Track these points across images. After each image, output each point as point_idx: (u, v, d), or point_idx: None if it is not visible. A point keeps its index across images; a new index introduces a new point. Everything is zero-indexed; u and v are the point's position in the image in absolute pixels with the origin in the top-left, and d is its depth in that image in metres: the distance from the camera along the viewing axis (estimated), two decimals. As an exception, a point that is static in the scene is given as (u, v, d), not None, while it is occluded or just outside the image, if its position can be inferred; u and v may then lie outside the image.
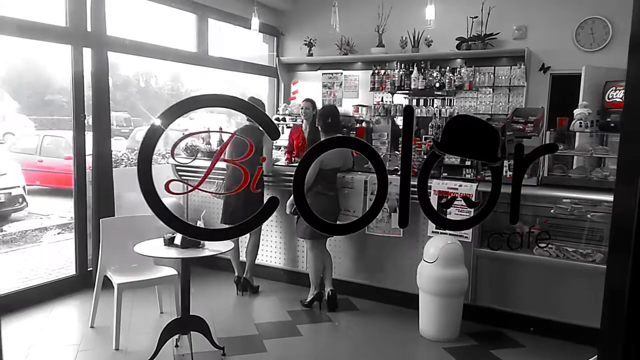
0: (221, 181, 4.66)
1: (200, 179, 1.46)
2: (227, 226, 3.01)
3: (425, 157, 4.30)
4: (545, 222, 4.02)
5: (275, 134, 1.23)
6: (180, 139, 4.98)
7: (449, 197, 3.98)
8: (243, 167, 1.32)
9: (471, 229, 4.03)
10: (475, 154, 1.42)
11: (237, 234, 1.20)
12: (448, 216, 3.72)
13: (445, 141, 1.23)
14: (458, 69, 6.15)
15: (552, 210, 3.95)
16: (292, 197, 4.29)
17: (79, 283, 4.70)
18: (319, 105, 5.63)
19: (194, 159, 5.13)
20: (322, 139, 4.43)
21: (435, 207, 3.53)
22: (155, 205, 1.11)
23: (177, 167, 5.12)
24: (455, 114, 6.09)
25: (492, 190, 1.27)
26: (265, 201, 4.50)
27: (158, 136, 1.11)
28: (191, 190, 1.35)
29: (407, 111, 1.19)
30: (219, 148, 5.25)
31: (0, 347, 0.95)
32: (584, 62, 5.47)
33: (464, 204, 1.41)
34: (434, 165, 1.31)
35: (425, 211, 1.31)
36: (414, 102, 6.39)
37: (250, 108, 1.22)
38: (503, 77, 6.00)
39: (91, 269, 4.73)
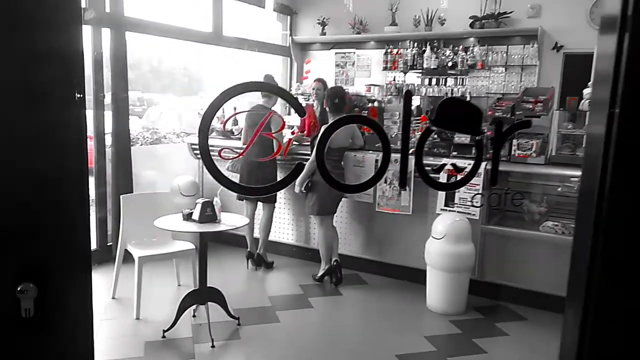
0: (233, 164, 4.83)
1: (214, 155, 1.61)
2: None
3: (435, 135, 4.40)
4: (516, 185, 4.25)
5: (301, 112, 1.37)
6: (230, 117, 5.14)
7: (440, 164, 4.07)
8: (276, 138, 1.50)
9: (479, 208, 4.13)
10: (462, 129, 1.64)
11: (267, 192, 1.38)
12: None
13: (438, 118, 1.41)
14: (471, 48, 6.15)
15: (559, 189, 4.02)
16: (300, 176, 4.47)
17: (99, 257, 4.90)
18: (331, 85, 5.70)
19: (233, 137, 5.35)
20: (329, 120, 4.55)
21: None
22: (217, 176, 1.34)
23: (193, 146, 5.34)
24: (467, 92, 6.13)
25: (476, 157, 1.46)
26: (276, 176, 4.71)
27: (211, 120, 1.28)
28: (239, 156, 1.54)
29: (407, 95, 1.37)
30: (232, 128, 5.41)
31: (91, 297, 1.19)
32: (598, 41, 5.44)
33: (453, 169, 1.66)
34: (428, 137, 1.50)
35: (421, 176, 1.47)
36: (427, 81, 6.42)
37: (283, 91, 1.38)
38: (516, 57, 6.00)
39: (111, 243, 4.93)
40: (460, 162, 4.20)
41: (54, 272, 1.12)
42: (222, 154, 1.52)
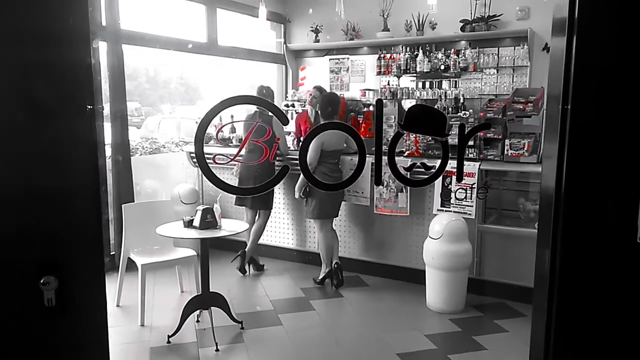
0: (237, 169, 4.92)
1: (211, 163, 1.73)
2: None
3: (429, 137, 4.49)
4: (485, 181, 4.33)
5: (285, 121, 1.48)
6: (224, 125, 5.20)
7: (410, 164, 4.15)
8: (265, 145, 1.62)
9: (474, 207, 4.21)
10: (429, 132, 1.90)
11: (254, 193, 1.51)
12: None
13: (407, 123, 1.62)
14: (462, 51, 6.25)
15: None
16: (299, 181, 4.55)
17: (103, 266, 4.96)
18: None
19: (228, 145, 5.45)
20: None
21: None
22: (212, 179, 1.48)
23: (191, 154, 5.43)
24: (461, 94, 6.21)
25: (442, 158, 1.61)
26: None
27: (205, 129, 1.43)
28: (232, 160, 1.65)
29: (378, 103, 1.53)
30: (230, 135, 5.50)
31: (104, 287, 1.37)
32: (586, 40, 5.54)
33: (423, 168, 1.89)
34: (399, 140, 1.66)
35: (394, 174, 1.64)
36: (420, 84, 6.51)
37: (268, 103, 1.49)
38: (507, 58, 6.09)
39: (114, 252, 4.99)
40: (455, 163, 4.31)
41: (72, 266, 1.25)
42: (215, 159, 1.69)
